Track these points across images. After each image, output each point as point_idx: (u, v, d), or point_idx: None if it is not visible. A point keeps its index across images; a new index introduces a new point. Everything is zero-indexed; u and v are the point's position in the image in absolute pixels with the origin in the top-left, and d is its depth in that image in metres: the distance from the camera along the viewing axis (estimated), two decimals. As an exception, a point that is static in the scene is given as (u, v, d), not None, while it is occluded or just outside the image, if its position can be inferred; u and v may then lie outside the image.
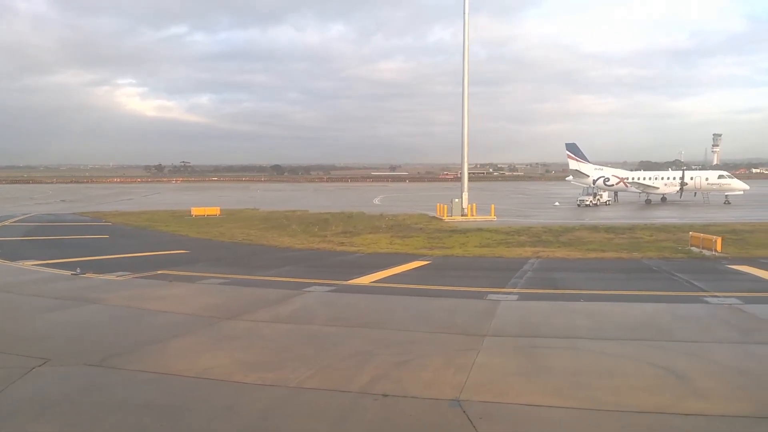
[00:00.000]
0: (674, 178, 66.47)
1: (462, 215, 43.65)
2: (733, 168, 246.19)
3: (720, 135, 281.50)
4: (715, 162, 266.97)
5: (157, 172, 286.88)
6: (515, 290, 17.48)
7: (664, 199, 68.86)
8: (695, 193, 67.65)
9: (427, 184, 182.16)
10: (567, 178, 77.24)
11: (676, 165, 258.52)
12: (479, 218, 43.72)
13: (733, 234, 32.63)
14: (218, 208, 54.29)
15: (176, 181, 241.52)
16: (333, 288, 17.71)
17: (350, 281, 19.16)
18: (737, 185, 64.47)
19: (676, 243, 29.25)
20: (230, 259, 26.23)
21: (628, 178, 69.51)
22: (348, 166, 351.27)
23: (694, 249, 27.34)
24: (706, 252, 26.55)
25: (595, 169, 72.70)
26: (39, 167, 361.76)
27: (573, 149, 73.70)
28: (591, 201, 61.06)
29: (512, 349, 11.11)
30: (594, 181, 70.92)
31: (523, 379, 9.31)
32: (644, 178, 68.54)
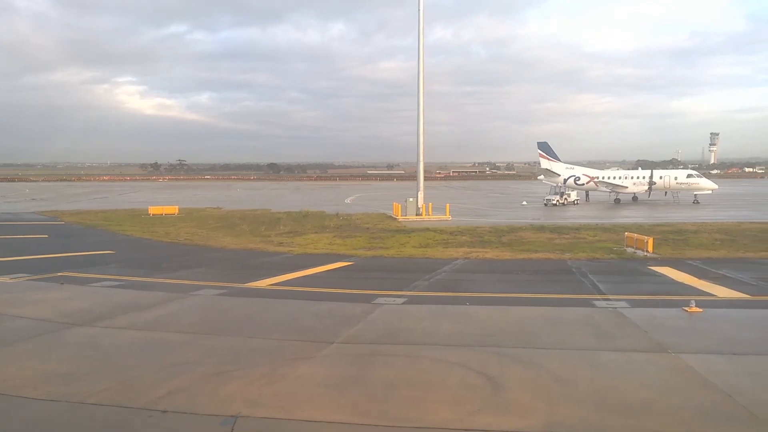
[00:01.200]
0: (643, 178, 66.17)
1: (417, 215, 43.18)
2: (728, 167, 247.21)
3: (717, 134, 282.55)
4: (712, 161, 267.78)
5: (153, 171, 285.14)
6: (410, 293, 17.03)
7: (635, 198, 68.62)
8: (665, 192, 67.46)
9: (414, 182, 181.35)
10: (539, 177, 76.92)
11: (673, 164, 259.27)
12: (434, 218, 43.27)
13: (677, 234, 32.39)
14: (177, 207, 53.59)
15: (164, 179, 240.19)
16: (223, 291, 17.22)
17: (249, 284, 18.68)
18: (705, 184, 64.28)
19: (615, 243, 28.88)
20: (150, 260, 25.65)
21: (598, 178, 69.20)
22: (346, 165, 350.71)
23: (628, 249, 27.05)
24: (639, 252, 26.26)
25: (566, 168, 72.35)
26: (37, 165, 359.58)
27: (544, 148, 73.34)
28: (558, 200, 60.72)
29: (349, 358, 10.65)
30: (565, 180, 70.57)
31: (327, 392, 8.85)
32: (613, 178, 68.24)
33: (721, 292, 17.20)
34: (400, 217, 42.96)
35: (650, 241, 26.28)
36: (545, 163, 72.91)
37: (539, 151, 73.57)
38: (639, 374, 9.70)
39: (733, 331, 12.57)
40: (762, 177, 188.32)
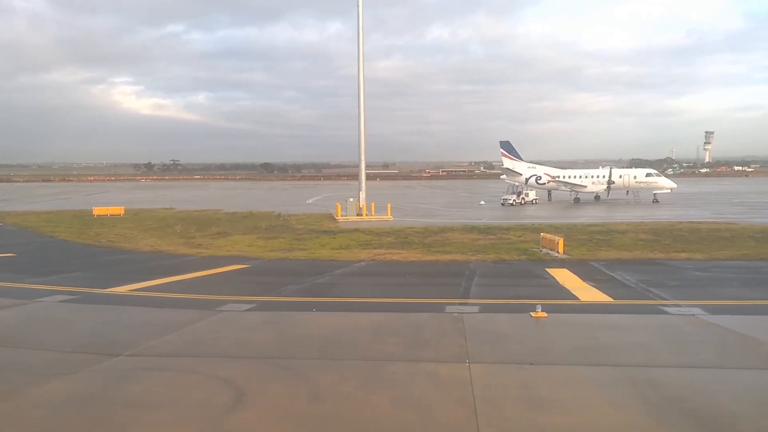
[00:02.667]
0: (602, 177, 65.82)
1: (357, 215, 42.53)
2: (722, 165, 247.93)
3: (712, 132, 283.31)
4: (707, 159, 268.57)
5: (147, 171, 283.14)
6: (266, 299, 16.40)
7: (597, 197, 68.27)
8: (627, 191, 67.17)
9: (395, 182, 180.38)
10: (501, 177, 76.45)
11: (667, 162, 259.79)
12: (374, 218, 42.66)
13: (604, 234, 31.94)
14: (123, 208, 52.77)
15: (145, 179, 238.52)
16: (71, 297, 16.51)
17: (109, 289, 17.96)
18: (664, 183, 64.06)
19: (536, 244, 28.38)
20: (41, 263, 24.99)
21: (558, 177, 68.81)
22: (342, 165, 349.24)
23: (543, 250, 26.56)
24: (552, 253, 25.79)
25: (528, 167, 71.93)
26: (32, 166, 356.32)
27: (507, 147, 72.90)
28: (515, 200, 60.25)
29: (115, 373, 9.96)
30: (527, 180, 70.21)
31: (45, 415, 8.18)
32: (572, 177, 67.85)
33: (589, 295, 16.66)
34: (340, 218, 42.32)
35: (560, 241, 25.84)
36: (507, 163, 72.50)
37: (502, 150, 73.15)
38: (404, 387, 9.08)
39: (553, 337, 12.05)
40: (747, 176, 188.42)
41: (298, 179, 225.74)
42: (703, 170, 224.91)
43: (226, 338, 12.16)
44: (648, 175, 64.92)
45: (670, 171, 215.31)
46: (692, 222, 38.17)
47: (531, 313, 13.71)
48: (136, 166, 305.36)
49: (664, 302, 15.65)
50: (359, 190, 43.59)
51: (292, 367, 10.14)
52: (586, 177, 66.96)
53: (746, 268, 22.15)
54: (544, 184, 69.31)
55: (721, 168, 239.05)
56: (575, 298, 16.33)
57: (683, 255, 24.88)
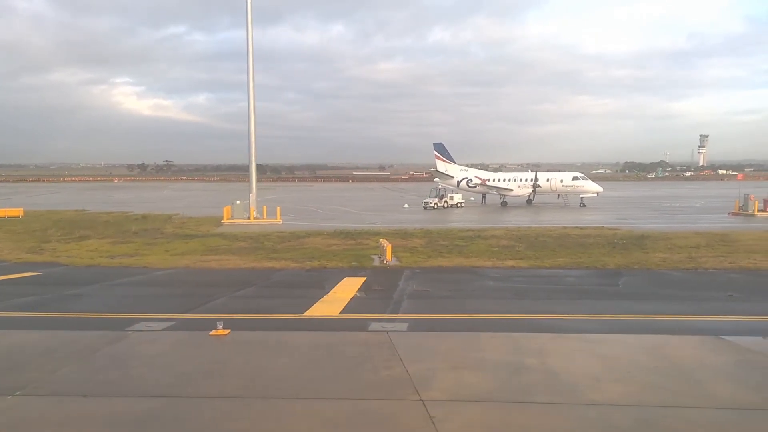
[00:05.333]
0: (529, 180, 65.22)
1: (246, 218, 41.38)
2: (718, 168, 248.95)
3: (707, 136, 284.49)
4: (701, 163, 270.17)
5: (141, 172, 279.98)
6: None
7: (530, 201, 67.49)
8: (558, 195, 66.57)
9: (373, 184, 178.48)
10: (435, 180, 75.59)
11: (661, 166, 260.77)
12: (263, 221, 41.59)
13: (467, 240, 31.14)
14: (21, 209, 51.30)
15: (117, 180, 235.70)
16: None
17: None
18: (591, 187, 63.52)
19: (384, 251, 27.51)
20: None
21: (489, 180, 68.11)
22: (340, 166, 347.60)
23: (375, 257, 25.68)
24: (382, 260, 24.94)
25: (461, 170, 71.17)
26: (29, 166, 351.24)
27: (440, 149, 72.12)
28: (436, 203, 59.35)
29: None
30: (458, 183, 69.48)
31: None
32: (500, 180, 67.16)
33: (325, 309, 15.71)
34: (225, 221, 41.14)
35: (389, 248, 25.02)
36: (441, 165, 71.71)
37: (435, 153, 72.40)
38: None
39: (228, 356, 11.13)
40: (723, 179, 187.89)
41: (274, 181, 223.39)
42: (687, 174, 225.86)
43: None
44: (575, 178, 64.34)
45: (652, 175, 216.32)
46: (576, 228, 37.47)
47: (211, 332, 12.72)
48: (129, 167, 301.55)
49: (388, 316, 14.78)
50: (249, 192, 42.42)
51: None
52: (513, 180, 66.28)
53: (551, 276, 21.51)
54: (475, 187, 68.59)
55: (706, 172, 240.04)
56: (305, 311, 15.39)
57: (509, 263, 24.14)
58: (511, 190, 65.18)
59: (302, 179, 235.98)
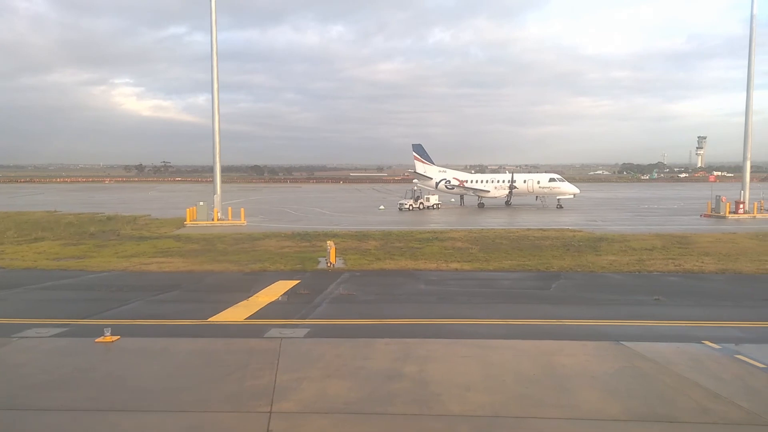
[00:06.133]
0: (505, 182, 64.88)
1: (209, 219, 40.91)
2: (715, 169, 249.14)
3: (705, 137, 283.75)
4: (699, 164, 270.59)
5: (138, 172, 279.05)
6: None
7: (508, 203, 67.11)
8: (536, 197, 66.26)
9: (364, 185, 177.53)
10: (414, 181, 75.18)
11: (658, 167, 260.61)
12: (227, 223, 41.14)
13: (423, 243, 30.77)
14: (-12, 210, 50.73)
15: (109, 181, 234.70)
16: None
17: None
18: (567, 189, 63.15)
19: (342, 252, 27.24)
20: None
21: (467, 182, 67.75)
22: (339, 167, 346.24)
23: (321, 260, 25.34)
24: (325, 262, 24.65)
25: (439, 171, 70.72)
26: (28, 167, 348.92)
27: (419, 151, 71.67)
28: (411, 205, 58.93)
29: None
30: (437, 184, 69.08)
31: None
32: (478, 182, 66.80)
33: (234, 315, 15.36)
34: (188, 223, 40.69)
35: (332, 251, 24.66)
36: (420, 167, 71.26)
37: (414, 154, 71.91)
38: None
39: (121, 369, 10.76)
40: (716, 180, 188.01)
41: (265, 182, 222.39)
42: (682, 175, 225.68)
43: None
44: (551, 180, 63.96)
45: (645, 177, 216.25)
46: (540, 230, 37.16)
47: (97, 339, 12.36)
48: (127, 167, 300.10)
49: (294, 322, 14.48)
50: (214, 193, 41.98)
51: None
52: (490, 182, 65.94)
53: (488, 279, 21.36)
54: (453, 188, 68.22)
55: (700, 173, 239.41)
56: (212, 316, 15.03)
57: (454, 265, 23.86)
58: (488, 191, 64.84)
59: (294, 180, 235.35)
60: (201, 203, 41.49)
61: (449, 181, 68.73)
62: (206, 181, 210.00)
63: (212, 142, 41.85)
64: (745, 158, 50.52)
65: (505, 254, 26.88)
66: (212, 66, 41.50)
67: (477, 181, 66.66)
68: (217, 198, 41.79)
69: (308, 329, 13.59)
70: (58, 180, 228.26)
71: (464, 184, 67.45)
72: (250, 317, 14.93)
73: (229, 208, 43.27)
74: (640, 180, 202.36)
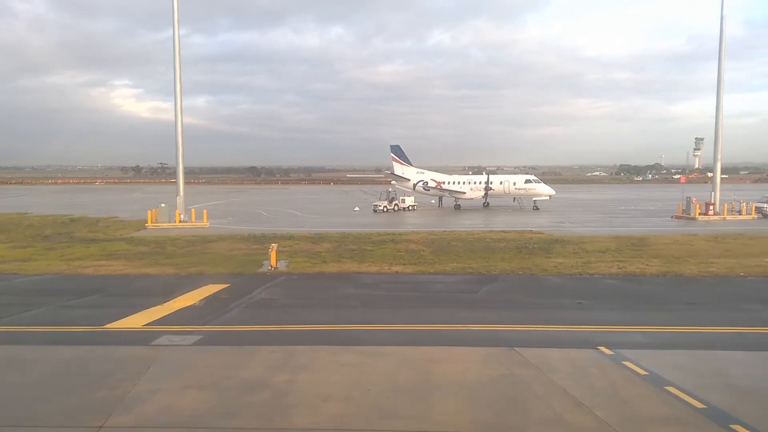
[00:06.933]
0: (481, 183, 64.63)
1: (170, 221, 40.44)
2: (712, 170, 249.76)
3: (702, 139, 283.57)
4: (696, 165, 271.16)
5: (135, 174, 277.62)
6: None
7: (486, 204, 66.82)
8: (514, 198, 66.00)
9: (353, 186, 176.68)
10: (392, 182, 74.87)
11: (655, 168, 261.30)
12: (189, 225, 40.74)
13: (378, 245, 30.47)
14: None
15: (100, 182, 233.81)
16: None
17: None
18: (543, 190, 62.94)
19: (289, 255, 26.96)
20: None
21: (444, 183, 67.47)
22: (337, 168, 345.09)
23: (265, 263, 24.98)
24: (267, 264, 24.35)
25: (417, 173, 70.41)
26: (26, 168, 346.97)
27: (397, 152, 71.37)
28: (385, 206, 58.56)
29: None
30: (414, 186, 68.78)
31: None
32: (454, 183, 66.49)
33: (134, 321, 14.98)
34: (149, 225, 40.24)
35: (273, 254, 24.33)
36: (398, 168, 70.97)
37: (392, 155, 71.65)
38: None
39: None
40: (707, 182, 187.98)
41: (257, 183, 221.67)
42: (676, 176, 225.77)
43: None
44: (527, 181, 63.73)
45: (639, 178, 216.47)
46: (501, 231, 36.91)
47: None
48: (124, 169, 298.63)
49: (195, 328, 14.12)
50: (177, 195, 41.54)
51: None
52: (466, 183, 65.65)
53: (422, 283, 21.08)
54: (429, 190, 67.94)
55: (694, 174, 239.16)
56: (112, 322, 14.66)
57: (395, 268, 23.59)
58: (464, 193, 64.56)
59: (286, 182, 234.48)
60: (162, 205, 41.05)
61: (426, 183, 68.50)
62: (198, 183, 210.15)
63: (175, 143, 41.45)
64: (715, 160, 50.34)
65: (456, 256, 26.58)
66: (174, 68, 41.28)
67: (454, 183, 66.34)
68: (179, 200, 41.37)
69: (201, 336, 13.23)
70: (50, 182, 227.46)
71: (441, 185, 67.25)
72: (150, 323, 14.54)
73: (193, 209, 42.82)
74: (632, 181, 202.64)
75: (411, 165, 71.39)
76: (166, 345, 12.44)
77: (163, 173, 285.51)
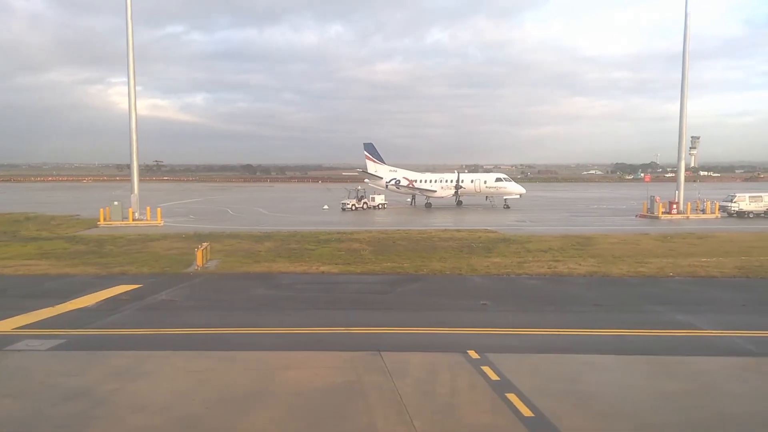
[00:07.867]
0: (452, 181, 64.25)
1: (123, 219, 39.82)
2: (711, 169, 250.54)
3: (698, 138, 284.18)
4: (692, 164, 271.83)
5: (129, 172, 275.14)
6: None
7: (459, 203, 66.37)
8: (486, 197, 65.64)
9: (339, 184, 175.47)
10: (365, 180, 74.37)
11: (651, 167, 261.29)
12: (143, 223, 40.17)
13: (320, 243, 30.07)
14: None
15: (87, 180, 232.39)
16: None
17: None
18: (513, 189, 62.62)
19: (227, 255, 26.54)
20: None
21: (416, 181, 67.06)
22: (334, 167, 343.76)
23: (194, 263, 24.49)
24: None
25: (390, 171, 69.93)
26: (22, 165, 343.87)
27: (370, 150, 70.93)
28: (354, 205, 58.11)
29: None
30: (387, 184, 68.31)
31: None
32: (426, 182, 66.07)
33: (8, 324, 14.49)
34: (102, 223, 39.62)
35: (199, 253, 23.87)
36: (371, 166, 70.55)
37: (365, 153, 71.23)
38: None
39: None
40: (695, 181, 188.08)
41: (246, 181, 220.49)
42: (668, 175, 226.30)
43: None
44: (498, 180, 63.39)
45: (629, 176, 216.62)
46: (455, 231, 36.51)
47: None
48: (119, 166, 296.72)
49: (66, 332, 13.63)
50: (131, 193, 40.95)
51: None
52: (437, 182, 65.24)
53: (339, 284, 20.72)
54: (401, 188, 67.50)
55: (687, 173, 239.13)
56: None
57: (323, 268, 23.14)
58: (435, 191, 64.16)
59: (275, 179, 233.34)
60: (115, 203, 40.48)
61: (398, 181, 67.98)
62: (189, 180, 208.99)
63: (129, 140, 40.84)
64: (679, 158, 50.23)
65: (395, 256, 26.18)
66: (128, 62, 40.71)
67: (425, 181, 65.89)
68: (134, 198, 40.82)
69: (63, 341, 12.74)
70: (38, 179, 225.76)
71: (413, 184, 66.78)
72: (22, 327, 14.05)
73: (148, 208, 42.21)
74: (623, 180, 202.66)
75: (384, 163, 70.93)
76: (20, 350, 11.96)
77: (158, 170, 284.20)
